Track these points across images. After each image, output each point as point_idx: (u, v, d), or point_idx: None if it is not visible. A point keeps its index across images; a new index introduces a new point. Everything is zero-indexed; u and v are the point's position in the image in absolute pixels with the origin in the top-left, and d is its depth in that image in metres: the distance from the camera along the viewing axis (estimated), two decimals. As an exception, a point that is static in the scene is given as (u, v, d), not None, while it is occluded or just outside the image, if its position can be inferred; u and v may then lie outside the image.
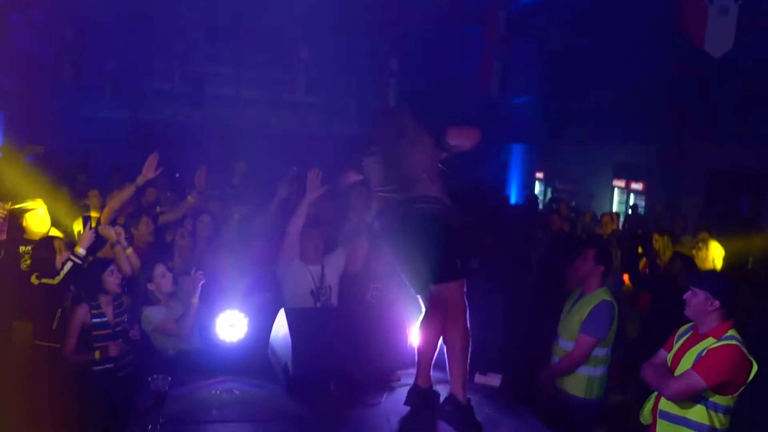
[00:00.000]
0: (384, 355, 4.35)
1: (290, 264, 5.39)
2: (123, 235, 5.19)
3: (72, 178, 10.90)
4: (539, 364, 5.01)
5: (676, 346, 3.76)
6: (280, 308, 4.67)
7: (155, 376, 3.82)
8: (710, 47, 6.79)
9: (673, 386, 3.56)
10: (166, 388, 3.82)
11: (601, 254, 4.87)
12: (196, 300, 4.95)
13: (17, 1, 14.51)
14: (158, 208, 8.90)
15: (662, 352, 3.84)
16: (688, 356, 3.61)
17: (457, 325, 3.87)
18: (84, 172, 11.54)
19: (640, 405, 3.95)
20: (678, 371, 3.61)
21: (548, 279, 6.40)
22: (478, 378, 4.42)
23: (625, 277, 6.82)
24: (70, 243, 5.28)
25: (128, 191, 6.28)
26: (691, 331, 3.73)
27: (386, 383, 4.27)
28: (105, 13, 14.10)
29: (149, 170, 5.89)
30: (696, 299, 3.64)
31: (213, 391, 4.09)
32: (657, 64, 13.61)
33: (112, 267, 4.81)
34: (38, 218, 5.43)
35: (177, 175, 12.12)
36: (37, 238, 5.26)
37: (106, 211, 6.26)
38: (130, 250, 5.22)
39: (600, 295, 4.72)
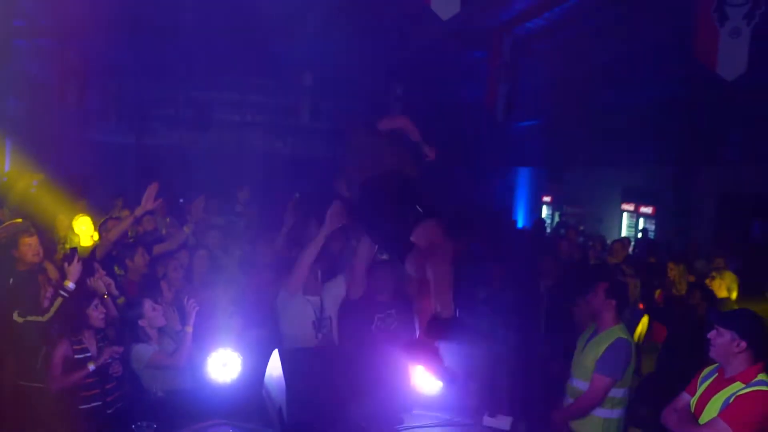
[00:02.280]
0: (387, 397, 4.09)
1: (294, 296, 5.17)
2: (113, 286, 5.01)
3: (70, 204, 10.74)
4: (551, 405, 4.73)
5: (700, 390, 3.50)
6: (275, 343, 4.46)
7: (140, 423, 3.58)
8: (723, 71, 6.59)
9: None
10: (152, 436, 3.58)
11: (613, 288, 4.62)
12: (190, 328, 4.74)
13: (22, 27, 14.53)
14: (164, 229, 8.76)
15: (685, 396, 3.57)
16: (713, 402, 3.34)
17: (446, 260, 3.90)
18: (84, 197, 11.37)
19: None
20: (703, 418, 3.35)
21: (558, 312, 6.13)
22: (487, 420, 4.17)
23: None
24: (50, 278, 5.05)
25: (126, 223, 6.13)
26: (717, 374, 3.46)
27: (389, 429, 4.01)
28: (110, 39, 14.05)
29: (148, 201, 5.78)
30: (721, 339, 3.37)
31: (204, 437, 3.85)
32: (665, 86, 13.42)
33: (96, 301, 4.59)
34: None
35: (181, 200, 11.96)
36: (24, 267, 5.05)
37: (102, 242, 6.09)
38: (122, 300, 5.05)
39: (616, 332, 4.46)
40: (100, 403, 4.42)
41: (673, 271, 6.42)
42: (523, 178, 21.56)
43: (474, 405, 4.22)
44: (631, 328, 4.65)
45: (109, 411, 4.44)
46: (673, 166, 13.99)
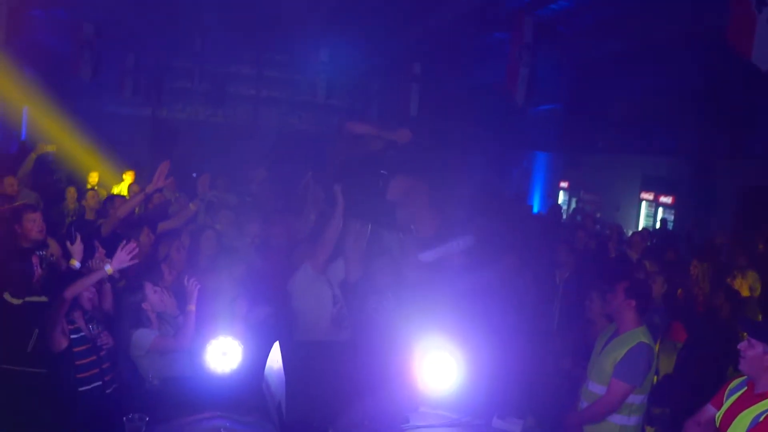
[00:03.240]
0: (391, 394, 3.89)
1: (319, 273, 5.27)
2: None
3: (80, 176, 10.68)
4: (564, 406, 4.51)
5: (727, 404, 3.26)
6: (282, 327, 4.30)
7: (131, 415, 3.41)
8: (758, 60, 6.26)
9: None
10: (143, 429, 3.40)
11: (634, 287, 4.36)
12: (193, 307, 4.58)
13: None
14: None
15: (710, 409, 3.34)
16: (741, 419, 3.11)
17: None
18: (96, 170, 11.28)
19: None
20: None
21: (573, 306, 5.87)
22: (497, 422, 3.95)
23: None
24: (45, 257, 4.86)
25: (135, 200, 5.98)
26: (746, 388, 3.23)
27: (393, 427, 3.81)
28: (125, 10, 13.93)
29: (159, 179, 5.68)
30: (753, 352, 3.13)
31: (198, 431, 3.66)
32: (688, 73, 13.05)
33: None
34: None
35: (194, 175, 11.88)
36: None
37: (108, 219, 5.93)
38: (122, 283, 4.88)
39: (637, 335, 4.20)
40: (99, 383, 4.26)
41: (697, 269, 6.16)
42: (540, 162, 21.23)
43: (484, 405, 4.00)
44: (656, 331, 4.37)
45: (108, 391, 4.28)
46: (696, 155, 13.62)
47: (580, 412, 4.36)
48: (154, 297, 4.67)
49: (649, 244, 9.42)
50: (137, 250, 4.44)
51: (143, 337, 4.54)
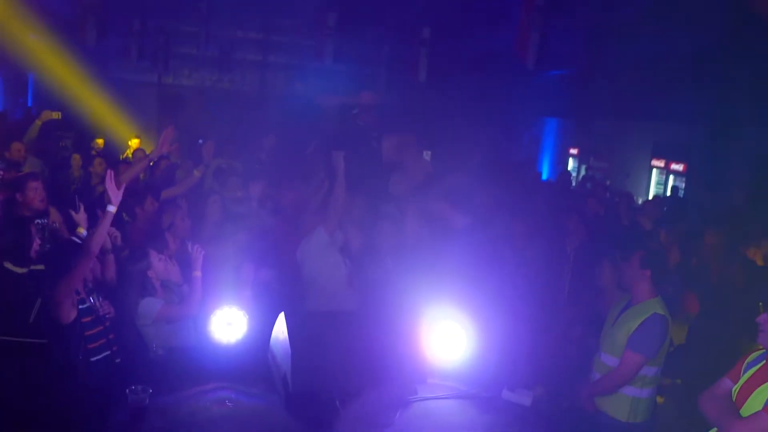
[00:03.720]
0: (399, 366, 3.82)
1: (331, 235, 5.31)
2: (119, 239, 4.76)
3: (86, 143, 10.59)
4: (575, 377, 4.42)
5: (744, 377, 3.16)
6: (291, 292, 4.25)
7: (134, 387, 3.34)
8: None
9: (739, 429, 2.97)
10: (146, 401, 3.34)
11: (650, 256, 4.24)
12: (199, 273, 4.54)
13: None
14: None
15: (726, 382, 3.23)
16: (758, 394, 3.01)
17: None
18: (101, 137, 11.19)
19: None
20: (745, 410, 3.02)
21: (584, 275, 5.75)
22: (506, 395, 3.88)
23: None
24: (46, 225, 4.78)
25: (140, 166, 5.90)
26: (764, 361, 3.12)
27: (401, 399, 3.73)
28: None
29: (164, 145, 5.67)
30: (773, 326, 3.03)
31: (203, 403, 3.60)
32: (702, 36, 12.75)
33: None
34: None
35: (200, 141, 11.82)
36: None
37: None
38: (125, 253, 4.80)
39: (652, 306, 4.10)
40: (108, 353, 4.21)
41: (711, 238, 6.02)
42: (550, 128, 21.00)
43: (493, 377, 3.93)
44: (669, 302, 4.24)
45: (117, 360, 4.23)
46: (708, 121, 13.36)
47: (593, 383, 4.27)
48: (159, 265, 4.62)
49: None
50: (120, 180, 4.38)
51: (150, 306, 4.49)
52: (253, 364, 4.04)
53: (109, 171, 4.28)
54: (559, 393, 4.14)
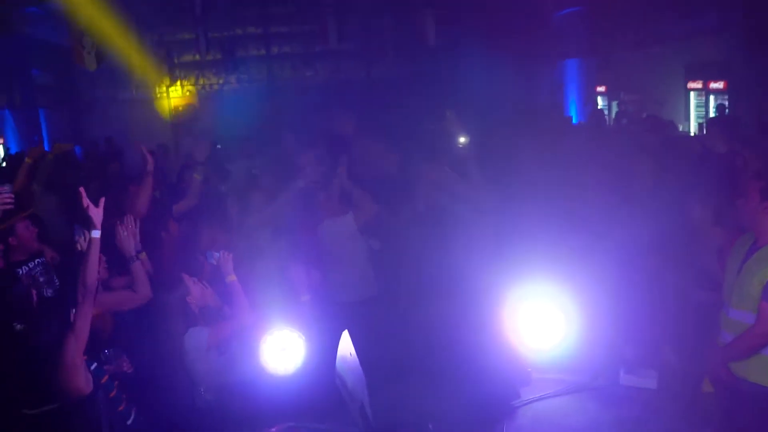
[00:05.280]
0: (492, 370, 3.22)
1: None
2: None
3: (101, 169, 10.15)
4: (702, 344, 3.69)
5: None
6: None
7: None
8: None
9: None
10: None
11: None
12: (234, 277, 4.02)
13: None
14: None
15: None
16: None
17: None
18: (115, 160, 10.77)
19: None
20: None
21: (668, 221, 5.03)
22: (626, 378, 3.26)
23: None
24: None
25: (148, 184, 5.37)
26: None
27: (504, 409, 3.16)
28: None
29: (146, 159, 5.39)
30: None
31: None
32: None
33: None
34: None
35: (218, 146, 11.32)
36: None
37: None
38: None
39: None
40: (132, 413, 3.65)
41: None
42: (571, 70, 20.22)
43: (605, 360, 3.34)
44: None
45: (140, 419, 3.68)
46: (744, 30, 12.49)
47: (725, 347, 3.58)
48: (195, 289, 4.04)
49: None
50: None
51: (197, 336, 3.89)
52: (321, 393, 3.39)
53: (80, 189, 3.56)
54: (686, 365, 3.51)
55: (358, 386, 3.01)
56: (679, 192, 4.70)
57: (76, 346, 3.27)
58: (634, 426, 2.86)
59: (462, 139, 6.78)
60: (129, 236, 4.21)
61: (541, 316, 3.42)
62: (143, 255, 4.36)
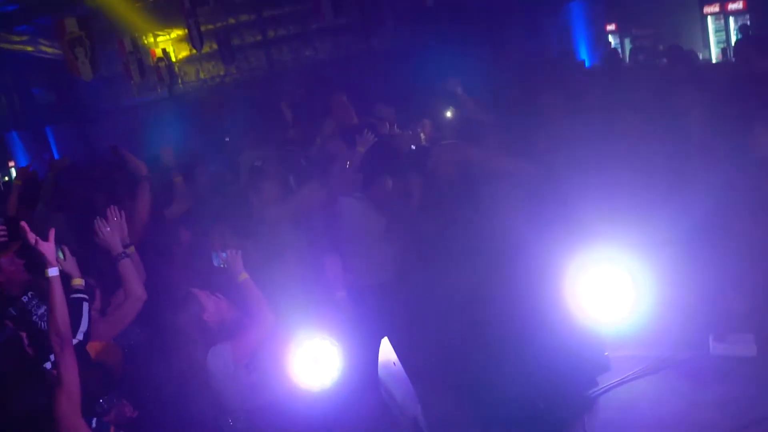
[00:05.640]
0: (564, 362, 2.71)
1: None
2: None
3: (107, 180, 9.82)
4: None
5: None
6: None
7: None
8: None
9: None
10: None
11: None
12: (245, 275, 3.56)
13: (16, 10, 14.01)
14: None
15: None
16: None
17: None
18: (120, 168, 10.43)
19: None
20: None
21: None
22: (716, 347, 2.77)
23: None
24: None
25: (145, 190, 4.97)
26: None
27: (582, 402, 2.68)
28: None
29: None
30: None
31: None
32: None
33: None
34: None
35: (227, 139, 11.03)
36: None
37: (136, 228, 4.96)
38: None
39: None
40: None
41: None
42: (578, 12, 19.60)
43: (688, 328, 2.84)
44: None
45: None
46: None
47: None
48: (210, 304, 3.58)
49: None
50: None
51: (221, 354, 3.39)
52: (365, 409, 2.99)
53: (21, 223, 3.05)
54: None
55: (408, 399, 2.55)
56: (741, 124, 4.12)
57: (69, 405, 2.81)
58: (738, 406, 2.36)
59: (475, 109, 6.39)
60: (113, 232, 3.76)
61: (607, 284, 2.92)
62: (131, 249, 3.92)
